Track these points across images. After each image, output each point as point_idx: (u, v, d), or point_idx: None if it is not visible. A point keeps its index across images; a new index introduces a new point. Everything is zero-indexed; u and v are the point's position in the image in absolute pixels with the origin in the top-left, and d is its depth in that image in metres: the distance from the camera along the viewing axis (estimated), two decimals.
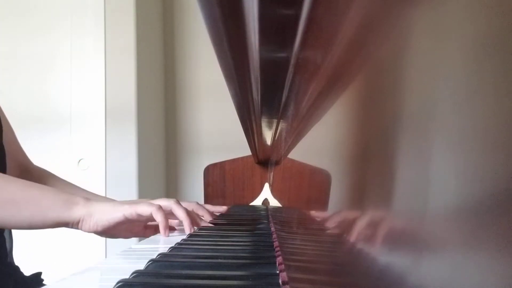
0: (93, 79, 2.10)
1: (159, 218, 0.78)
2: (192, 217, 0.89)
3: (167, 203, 0.84)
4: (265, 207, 1.50)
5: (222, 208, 1.11)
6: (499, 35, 0.11)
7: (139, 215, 0.78)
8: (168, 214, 0.84)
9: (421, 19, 0.16)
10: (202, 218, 0.99)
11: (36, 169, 1.05)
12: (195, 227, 0.90)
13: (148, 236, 0.89)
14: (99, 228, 0.77)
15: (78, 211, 0.76)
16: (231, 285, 0.46)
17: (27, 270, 0.93)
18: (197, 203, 1.06)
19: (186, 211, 0.84)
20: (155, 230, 0.86)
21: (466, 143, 0.12)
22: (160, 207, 0.79)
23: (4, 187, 0.74)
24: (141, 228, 0.88)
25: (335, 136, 0.33)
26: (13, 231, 0.93)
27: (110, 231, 0.79)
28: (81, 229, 0.77)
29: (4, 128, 0.93)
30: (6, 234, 0.89)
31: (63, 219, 0.75)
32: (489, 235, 0.11)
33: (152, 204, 0.79)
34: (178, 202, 0.85)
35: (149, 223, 0.87)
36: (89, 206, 0.76)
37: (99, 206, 0.77)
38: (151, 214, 0.78)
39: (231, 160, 1.67)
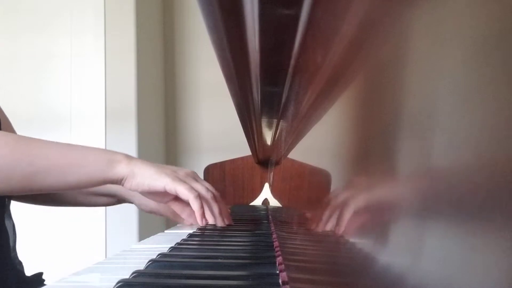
0: (93, 79, 2.10)
1: (195, 207, 0.80)
2: (222, 217, 0.91)
3: (206, 194, 0.84)
4: (265, 207, 1.50)
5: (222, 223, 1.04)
6: (500, 35, 0.11)
7: (177, 193, 0.79)
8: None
9: (421, 19, 0.16)
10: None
11: None
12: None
13: (174, 209, 0.90)
14: (139, 190, 0.80)
15: (122, 170, 0.77)
16: (231, 285, 0.45)
17: (28, 269, 0.93)
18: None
19: (220, 210, 0.86)
20: (182, 206, 0.87)
21: (467, 144, 0.12)
22: (198, 196, 0.80)
23: (45, 153, 0.74)
24: (171, 198, 0.88)
25: (335, 136, 0.33)
26: (16, 226, 0.93)
27: (147, 194, 0.82)
28: (123, 186, 0.79)
29: (2, 120, 0.93)
30: (9, 227, 0.89)
31: (108, 178, 0.77)
32: (490, 236, 0.11)
33: (192, 191, 0.80)
34: (214, 198, 0.85)
35: None
36: (132, 165, 0.78)
37: (142, 168, 0.79)
38: (188, 200, 0.79)
39: (231, 160, 1.67)
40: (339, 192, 0.30)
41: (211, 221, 0.85)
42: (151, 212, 1.04)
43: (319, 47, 0.36)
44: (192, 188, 0.80)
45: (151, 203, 1.00)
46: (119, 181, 0.78)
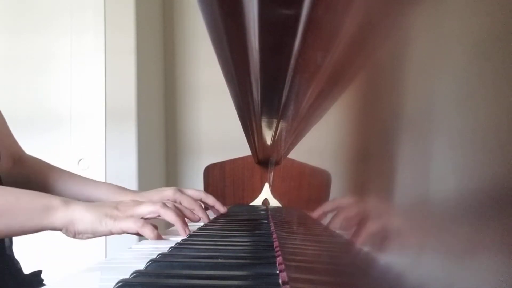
0: (93, 79, 2.10)
1: (147, 234, 0.76)
2: (187, 215, 0.88)
3: (154, 209, 0.79)
4: (265, 207, 1.50)
5: (224, 209, 1.12)
6: (499, 35, 0.11)
7: (125, 232, 0.76)
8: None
9: (421, 19, 0.16)
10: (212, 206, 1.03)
11: (29, 158, 1.02)
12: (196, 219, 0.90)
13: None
14: (84, 238, 0.75)
15: (59, 218, 0.73)
16: (231, 285, 0.45)
17: (27, 268, 0.93)
18: (205, 193, 1.05)
19: (175, 212, 0.81)
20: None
21: (466, 143, 0.12)
22: (145, 223, 0.76)
23: None
24: None
25: (335, 136, 0.33)
26: None
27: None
28: (65, 235, 0.75)
29: None
30: None
31: (43, 227, 0.73)
32: (489, 236, 0.11)
33: (137, 220, 0.76)
34: (164, 206, 0.80)
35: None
36: (70, 212, 0.73)
37: (82, 213, 0.74)
38: (137, 232, 0.76)
39: (231, 160, 1.67)
40: (339, 193, 0.30)
41: (182, 234, 0.81)
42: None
43: (319, 47, 0.36)
44: (137, 220, 0.76)
45: None
46: (58, 229, 0.73)
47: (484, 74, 0.11)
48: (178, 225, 0.80)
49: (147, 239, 0.86)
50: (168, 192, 0.96)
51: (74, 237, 0.75)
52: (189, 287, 0.45)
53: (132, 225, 0.75)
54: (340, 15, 0.28)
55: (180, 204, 0.94)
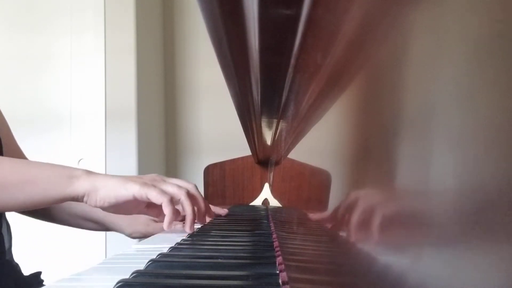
0: (93, 79, 2.10)
1: (167, 211, 0.75)
2: (200, 213, 0.89)
3: (178, 192, 0.79)
4: (265, 207, 1.50)
5: (224, 211, 1.14)
6: (499, 35, 0.11)
7: (149, 200, 0.75)
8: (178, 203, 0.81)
9: (421, 19, 0.16)
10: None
11: None
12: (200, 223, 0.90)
13: (150, 215, 0.85)
14: (106, 204, 0.74)
15: (81, 185, 0.73)
16: (231, 285, 0.46)
17: (26, 269, 0.93)
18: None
19: (193, 208, 0.80)
20: (158, 210, 0.81)
21: (466, 143, 0.12)
22: (171, 200, 0.75)
23: None
24: (144, 206, 0.82)
25: (335, 136, 0.33)
26: (12, 228, 0.93)
27: (116, 208, 0.77)
28: (87, 203, 0.74)
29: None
30: (4, 231, 0.89)
31: (66, 195, 0.72)
32: (490, 237, 0.11)
33: (164, 194, 0.75)
34: (188, 195, 0.80)
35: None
36: (93, 180, 0.73)
37: (104, 181, 0.74)
38: (161, 204, 0.75)
39: (231, 160, 1.67)
40: (339, 193, 0.30)
41: (187, 228, 0.80)
42: (141, 236, 0.98)
43: (319, 47, 0.36)
44: (164, 192, 0.75)
45: (138, 227, 0.97)
46: (80, 198, 0.73)
47: (485, 74, 0.11)
48: (189, 220, 0.80)
49: (150, 215, 0.85)
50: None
51: (95, 205, 0.74)
52: (189, 287, 0.45)
53: (158, 196, 0.74)
54: (340, 15, 0.28)
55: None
